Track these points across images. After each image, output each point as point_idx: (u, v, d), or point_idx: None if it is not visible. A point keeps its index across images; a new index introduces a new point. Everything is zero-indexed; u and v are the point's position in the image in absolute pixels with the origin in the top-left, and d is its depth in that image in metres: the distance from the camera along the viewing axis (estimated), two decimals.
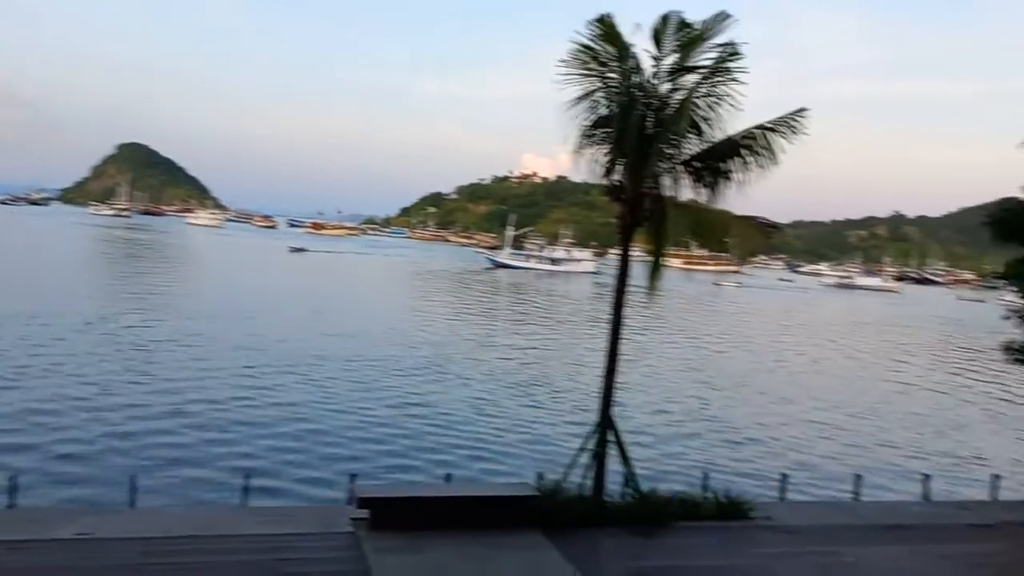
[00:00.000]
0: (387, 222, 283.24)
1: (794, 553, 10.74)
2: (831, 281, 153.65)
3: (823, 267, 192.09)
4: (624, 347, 11.85)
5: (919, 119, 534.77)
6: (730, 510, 11.89)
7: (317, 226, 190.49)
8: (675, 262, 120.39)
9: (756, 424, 25.38)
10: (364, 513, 10.38)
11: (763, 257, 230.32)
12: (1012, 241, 14.88)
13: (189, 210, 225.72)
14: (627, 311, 11.73)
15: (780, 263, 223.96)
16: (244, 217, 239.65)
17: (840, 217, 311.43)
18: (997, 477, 15.17)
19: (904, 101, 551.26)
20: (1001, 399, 33.49)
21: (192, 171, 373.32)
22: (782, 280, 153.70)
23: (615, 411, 11.80)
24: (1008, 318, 14.92)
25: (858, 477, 14.71)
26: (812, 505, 13.99)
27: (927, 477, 15.10)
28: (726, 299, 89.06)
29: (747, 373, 36.11)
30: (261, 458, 17.52)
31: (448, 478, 13.45)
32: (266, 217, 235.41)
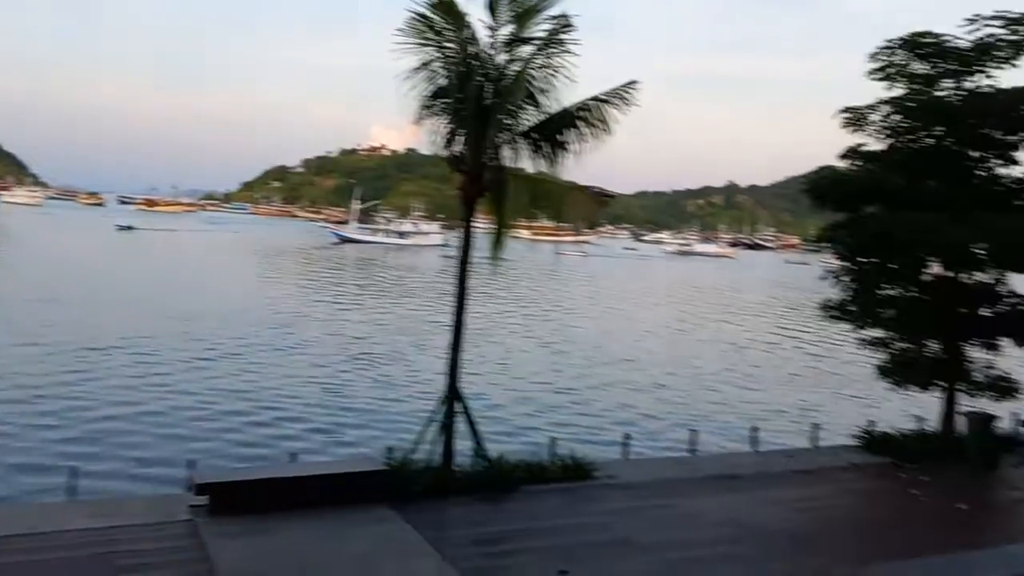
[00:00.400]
0: (228, 197, 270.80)
1: (635, 507, 11.22)
2: (672, 249, 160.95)
3: (665, 235, 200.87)
4: (471, 319, 11.93)
5: (750, 94, 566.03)
6: (575, 472, 12.27)
7: (150, 203, 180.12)
8: (524, 233, 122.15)
9: (595, 388, 26.30)
10: (203, 500, 9.96)
11: (610, 227, 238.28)
12: (826, 206, 16.00)
13: (5, 188, 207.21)
14: (473, 283, 11.79)
15: (626, 232, 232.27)
16: (68, 194, 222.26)
17: (680, 187, 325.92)
18: (817, 426, 16.42)
19: (737, 77, 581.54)
20: (820, 355, 36.17)
21: (8, 146, 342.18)
22: (627, 249, 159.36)
23: (462, 382, 11.87)
24: (825, 278, 16.03)
25: (694, 433, 15.55)
26: (652, 462, 14.66)
27: (755, 430, 16.17)
28: (571, 268, 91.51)
29: (592, 340, 37.27)
30: (90, 445, 16.47)
31: (293, 458, 13.14)
32: (93, 194, 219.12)
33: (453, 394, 11.73)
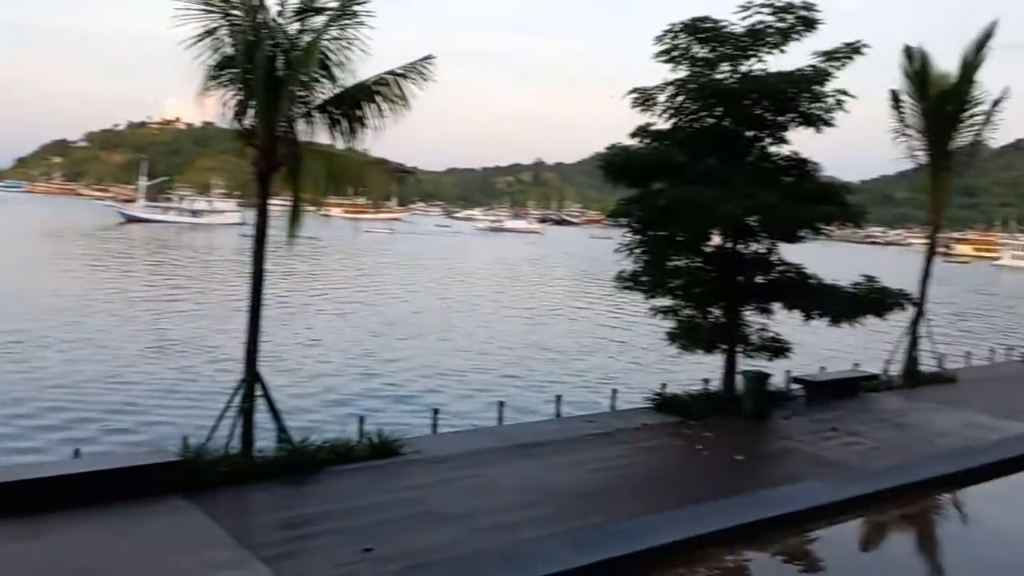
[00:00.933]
0: None
1: (441, 480, 11.36)
2: (483, 225, 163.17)
3: (476, 212, 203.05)
4: (276, 299, 11.53)
5: (556, 71, 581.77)
6: (382, 450, 12.21)
7: None
8: (335, 211, 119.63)
9: (410, 366, 26.32)
10: None
11: (421, 204, 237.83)
12: (620, 182, 16.79)
13: None
14: (276, 262, 11.38)
15: (437, 209, 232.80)
16: None
17: (490, 164, 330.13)
18: (615, 392, 17.34)
19: (542, 54, 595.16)
20: (620, 325, 38.21)
21: None
22: (439, 226, 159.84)
23: (267, 365, 11.47)
24: (619, 251, 16.85)
25: (501, 404, 15.92)
26: (460, 434, 14.87)
27: (559, 398, 16.83)
28: (381, 245, 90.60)
29: (401, 317, 37.20)
30: None
31: (76, 453, 12.16)
32: None
33: (252, 377, 11.31)
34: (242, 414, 11.21)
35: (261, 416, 11.42)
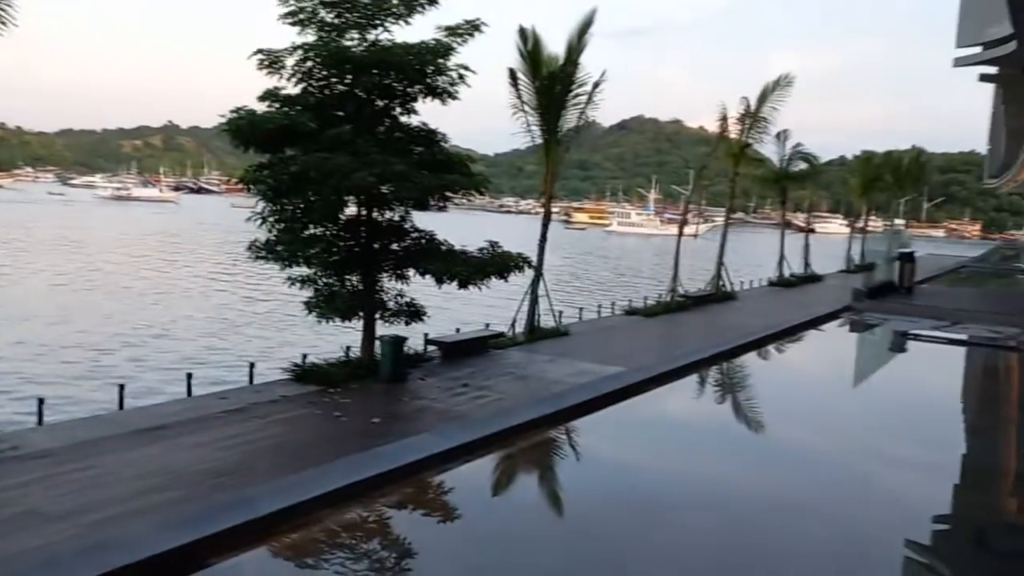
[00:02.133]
0: None
1: (46, 476, 10.11)
2: (107, 193, 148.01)
3: (97, 179, 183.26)
4: None
5: (180, 28, 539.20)
6: None
7: None
8: None
9: (12, 354, 23.13)
10: None
11: (29, 169, 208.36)
12: (249, 147, 16.07)
13: None
14: None
15: (51, 175, 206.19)
16: None
17: (113, 126, 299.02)
18: (252, 365, 16.74)
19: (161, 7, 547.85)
20: (260, 297, 37.05)
21: None
22: (52, 194, 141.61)
23: None
24: (250, 219, 16.18)
25: (121, 387, 14.57)
26: (71, 424, 13.28)
27: (190, 376, 15.84)
28: None
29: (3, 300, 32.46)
30: None
31: None
32: None
33: None
34: None
35: None
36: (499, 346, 20.06)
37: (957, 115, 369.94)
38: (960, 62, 22.74)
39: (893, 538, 10.19)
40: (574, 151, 25.59)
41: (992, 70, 23.82)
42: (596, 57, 24.45)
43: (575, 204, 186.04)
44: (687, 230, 36.86)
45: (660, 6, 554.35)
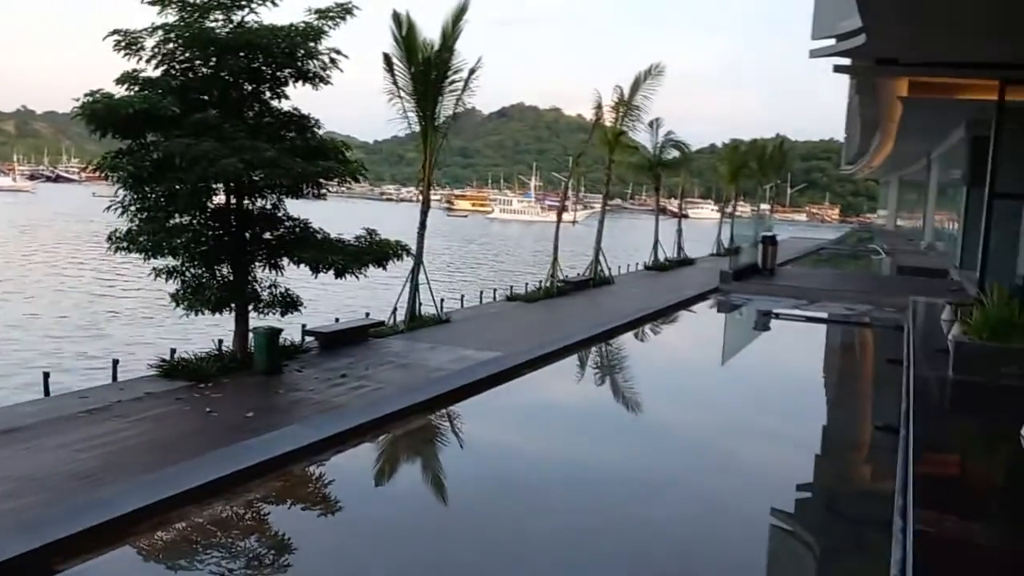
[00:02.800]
0: None
1: None
2: None
3: None
4: None
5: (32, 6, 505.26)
6: None
7: None
8: None
9: None
10: None
11: None
12: (107, 133, 15.26)
13: None
14: None
15: None
16: None
17: None
18: (116, 362, 15.96)
19: None
20: (128, 290, 35.32)
21: None
22: None
23: None
24: (110, 208, 15.38)
25: None
26: None
27: (47, 376, 14.95)
28: None
29: None
30: None
31: None
32: None
33: None
34: None
35: None
36: (380, 335, 19.88)
37: (819, 105, 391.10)
38: (815, 54, 23.96)
39: (752, 506, 10.75)
40: (455, 138, 25.59)
41: (846, 61, 25.17)
42: (475, 44, 24.45)
43: (457, 191, 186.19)
44: (566, 216, 37.55)
45: None
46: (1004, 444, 8.77)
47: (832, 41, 23.39)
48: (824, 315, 26.58)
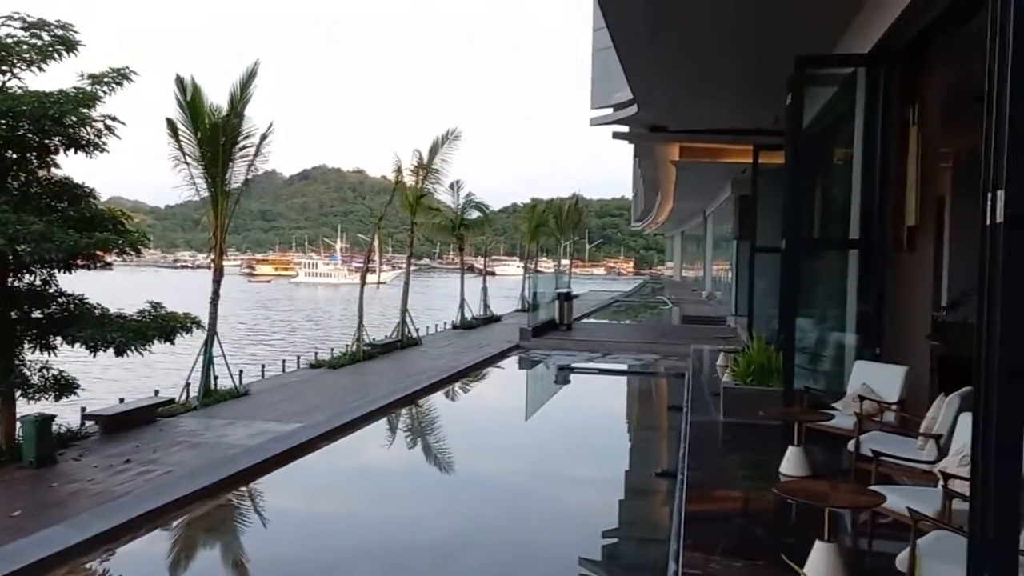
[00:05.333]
0: None
1: None
2: None
3: None
4: None
5: None
6: None
7: None
8: None
9: None
10: None
11: None
12: None
13: None
14: None
15: None
16: None
17: None
18: None
19: None
20: None
21: None
22: None
23: None
24: None
25: None
26: None
27: None
28: None
29: None
30: None
31: None
32: None
33: None
34: None
35: None
36: (171, 413, 18.80)
37: (611, 165, 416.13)
38: (595, 122, 25.74)
39: (559, 549, 11.09)
40: (256, 202, 25.14)
41: (624, 128, 27.09)
42: (274, 107, 24.11)
43: (259, 256, 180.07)
44: (371, 278, 37.40)
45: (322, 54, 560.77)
46: (765, 482, 9.60)
47: (609, 110, 25.29)
48: (617, 367, 28.14)
